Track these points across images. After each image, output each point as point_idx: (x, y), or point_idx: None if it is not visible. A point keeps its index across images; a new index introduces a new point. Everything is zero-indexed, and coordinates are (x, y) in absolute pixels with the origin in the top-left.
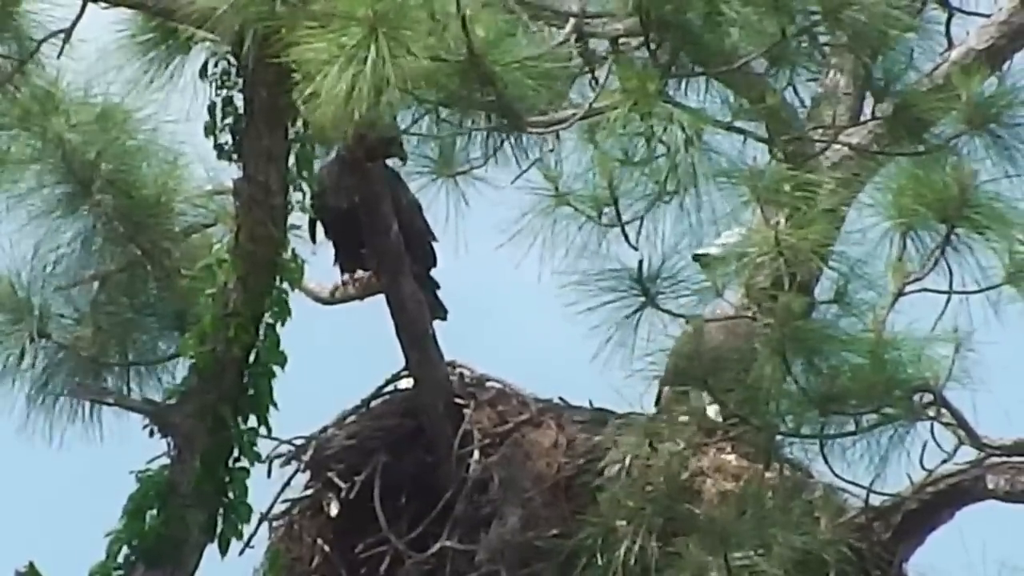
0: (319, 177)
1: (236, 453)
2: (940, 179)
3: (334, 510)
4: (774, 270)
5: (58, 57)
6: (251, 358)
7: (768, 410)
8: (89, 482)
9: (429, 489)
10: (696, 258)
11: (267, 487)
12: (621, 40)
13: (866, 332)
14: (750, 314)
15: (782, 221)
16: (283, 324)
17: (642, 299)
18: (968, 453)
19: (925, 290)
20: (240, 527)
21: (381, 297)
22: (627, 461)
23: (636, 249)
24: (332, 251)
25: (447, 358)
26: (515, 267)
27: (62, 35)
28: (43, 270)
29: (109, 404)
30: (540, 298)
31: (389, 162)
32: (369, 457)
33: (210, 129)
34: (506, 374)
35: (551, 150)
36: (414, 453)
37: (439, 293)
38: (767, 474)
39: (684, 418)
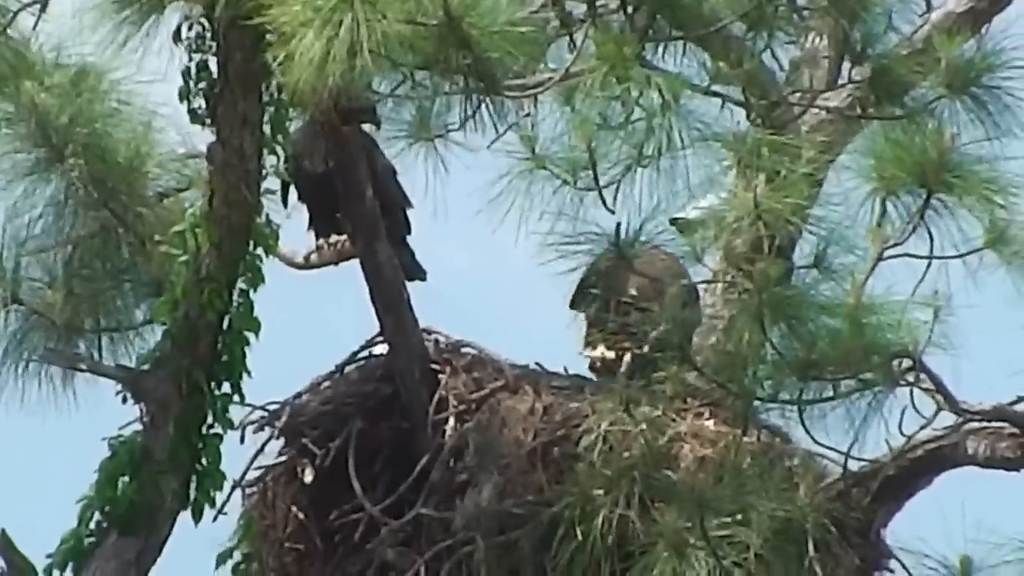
0: (294, 141)
1: (209, 419)
2: (919, 143)
3: (308, 477)
4: (752, 234)
5: (34, 28)
6: (225, 324)
7: (746, 376)
8: (61, 449)
9: (404, 456)
10: (674, 222)
11: (240, 453)
12: (598, 4)
13: (845, 297)
14: (728, 278)
15: (760, 185)
16: (257, 290)
17: (621, 264)
18: (947, 419)
19: (905, 255)
20: (213, 494)
21: (356, 262)
22: (604, 427)
23: (613, 213)
24: (306, 216)
25: (422, 324)
26: (492, 232)
27: (38, 5)
28: (16, 234)
29: (81, 370)
30: (517, 263)
31: (364, 127)
32: (344, 423)
33: (184, 94)
34: (482, 340)
35: (528, 114)
36: (389, 419)
37: (416, 256)
38: (745, 440)
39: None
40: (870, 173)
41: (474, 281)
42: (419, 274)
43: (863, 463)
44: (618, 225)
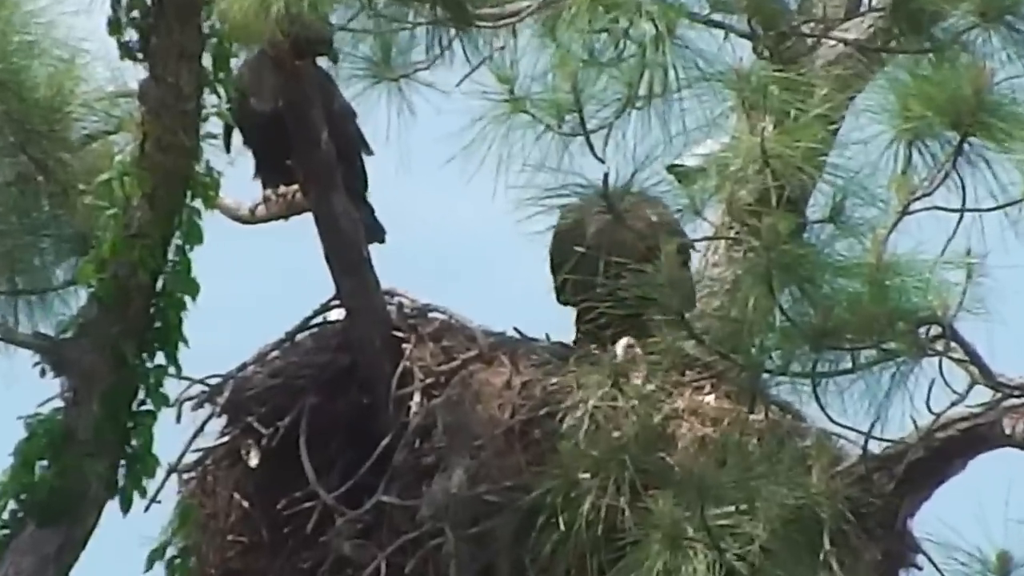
0: (239, 78)
1: (141, 395)
2: (951, 80)
3: (254, 460)
4: (759, 184)
5: None
6: (158, 286)
7: (753, 345)
8: None
9: (364, 436)
10: (671, 171)
11: (177, 434)
12: None
13: (865, 256)
14: (732, 234)
15: (769, 128)
16: (195, 247)
17: (609, 218)
18: (982, 394)
19: (934, 207)
20: (145, 480)
21: (309, 216)
22: (591, 403)
23: (603, 161)
24: (253, 163)
25: (384, 286)
26: (464, 184)
27: None
28: None
29: None
30: (493, 218)
31: (320, 61)
32: (295, 399)
33: (114, 25)
34: (453, 304)
35: (503, 48)
36: (346, 394)
37: (376, 214)
38: (751, 418)
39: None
40: (894, 114)
41: (444, 239)
42: (378, 235)
43: (886, 444)
44: (607, 175)
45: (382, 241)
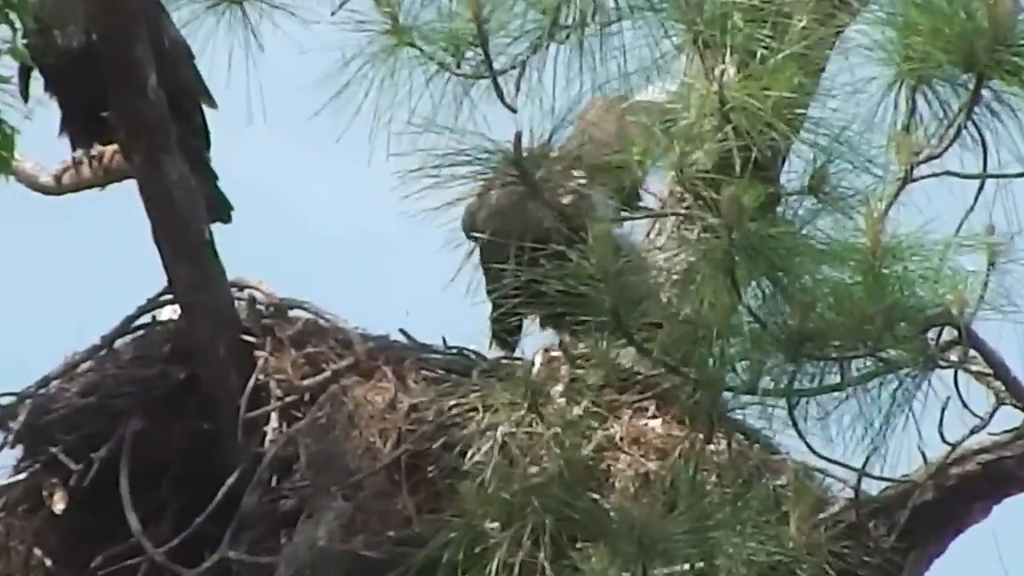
0: (38, 4)
1: None
2: (965, 8)
3: (60, 504)
4: (718, 145)
5: None
6: None
7: (711, 355)
8: None
9: (204, 471)
10: None
11: None
12: None
13: (857, 237)
14: (683, 210)
15: (730, 72)
16: None
17: (524, 190)
18: (1010, 417)
19: (945, 173)
20: None
21: (132, 184)
22: (501, 431)
23: (514, 111)
24: (58, 115)
25: (231, 275)
26: (336, 142)
27: None
28: None
29: None
30: (372, 191)
31: None
32: (113, 424)
33: None
34: (321, 300)
35: None
36: (181, 417)
37: (219, 184)
38: (709, 449)
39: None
40: (893, 52)
41: (308, 216)
42: (222, 210)
43: (885, 484)
44: (519, 134)
45: (228, 219)
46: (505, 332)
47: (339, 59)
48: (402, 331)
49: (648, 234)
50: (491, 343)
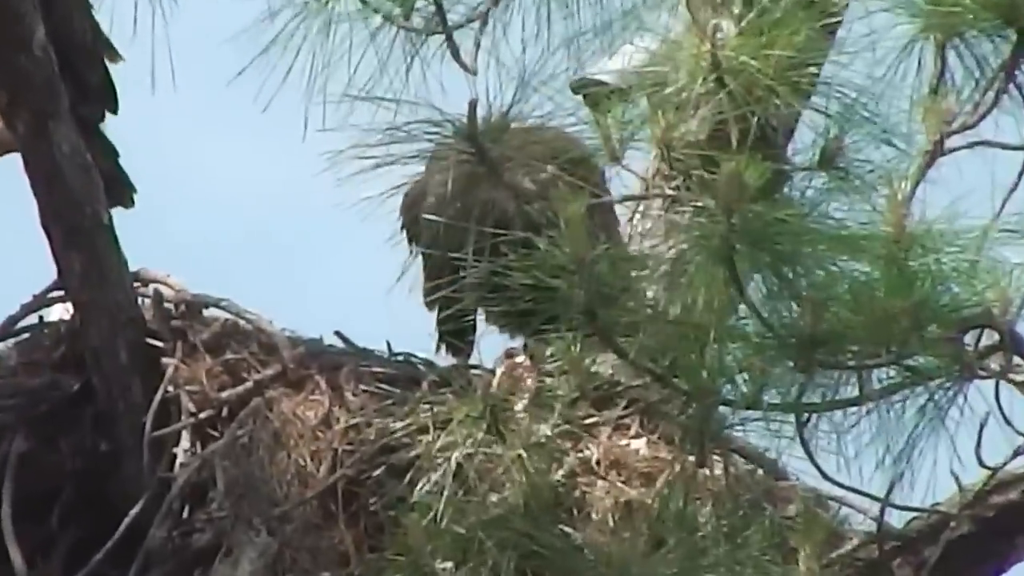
0: None
1: None
2: None
3: None
4: (713, 113)
5: None
6: None
7: (703, 362)
8: None
9: (101, 500)
10: (577, 91)
11: None
12: None
13: (878, 222)
14: (671, 190)
15: (726, 26)
16: None
17: (479, 169)
18: None
19: (982, 143)
20: None
21: (15, 158)
22: (456, 454)
23: (474, 74)
24: None
25: (134, 267)
26: (259, 116)
27: None
28: None
29: None
30: (304, 171)
31: None
32: None
33: None
34: (242, 298)
35: None
36: (74, 436)
37: (121, 160)
38: (702, 473)
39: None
40: (919, 2)
41: (228, 198)
42: (124, 192)
43: (912, 515)
44: (474, 103)
45: (131, 202)
46: (455, 335)
47: (265, 11)
48: (338, 334)
49: (631, 219)
50: (438, 347)
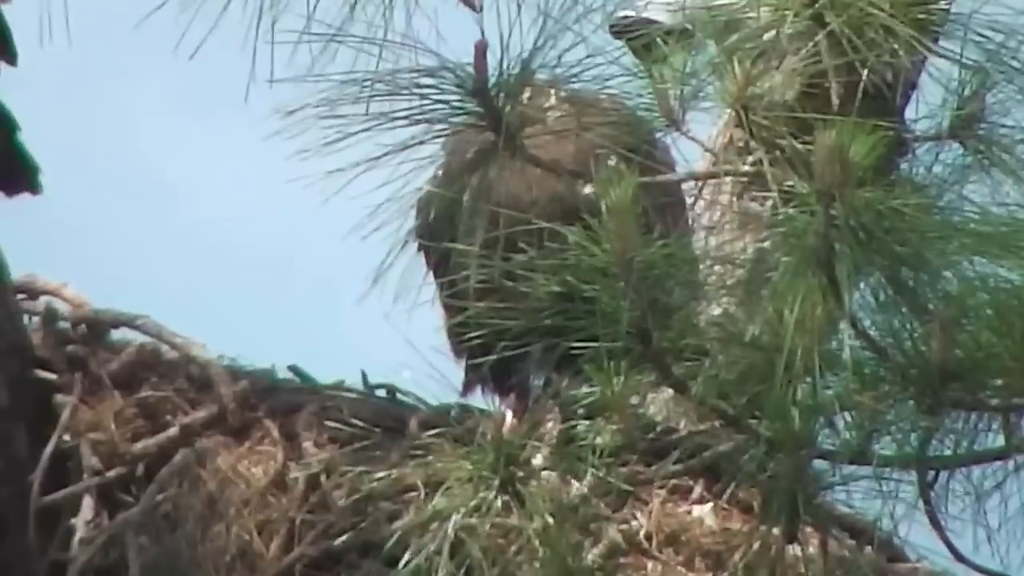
0: None
1: None
2: None
3: None
4: (806, 62)
5: None
6: None
7: (795, 400)
8: None
9: None
10: (619, 35)
11: None
12: None
13: None
14: (748, 168)
15: None
16: None
17: (491, 137)
18: None
19: None
20: None
21: None
22: (451, 524)
23: (479, 11)
24: None
25: (18, 275)
26: (220, 80)
27: None
28: None
29: None
30: (256, 149)
31: None
32: None
33: None
34: (167, 315)
35: None
36: None
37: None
38: (792, 551)
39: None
40: None
41: (159, 185)
42: (25, 175)
43: None
44: (482, 47)
45: (36, 186)
46: (496, 374)
47: None
48: (292, 368)
49: (692, 206)
50: (465, 390)
